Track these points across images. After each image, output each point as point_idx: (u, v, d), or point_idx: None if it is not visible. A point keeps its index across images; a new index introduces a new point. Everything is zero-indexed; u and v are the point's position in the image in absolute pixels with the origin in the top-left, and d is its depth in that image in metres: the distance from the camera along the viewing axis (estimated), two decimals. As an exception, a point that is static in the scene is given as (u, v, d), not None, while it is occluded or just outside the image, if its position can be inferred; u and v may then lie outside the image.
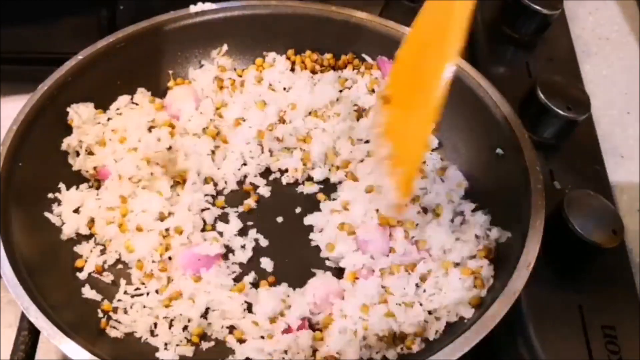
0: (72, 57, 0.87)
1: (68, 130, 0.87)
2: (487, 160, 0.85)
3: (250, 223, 0.85)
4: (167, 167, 0.86)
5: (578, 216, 0.76)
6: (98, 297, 0.77)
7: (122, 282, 0.79)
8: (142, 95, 0.93)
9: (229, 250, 0.83)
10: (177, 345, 0.74)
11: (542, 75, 0.92)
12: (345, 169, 0.89)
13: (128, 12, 1.02)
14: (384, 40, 0.94)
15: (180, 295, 0.77)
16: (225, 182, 0.89)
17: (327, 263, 0.81)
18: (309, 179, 0.90)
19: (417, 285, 0.77)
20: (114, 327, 0.75)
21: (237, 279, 0.80)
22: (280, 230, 0.85)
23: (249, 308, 0.77)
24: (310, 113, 0.93)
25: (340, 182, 0.89)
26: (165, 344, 0.74)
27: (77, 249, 0.81)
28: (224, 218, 0.86)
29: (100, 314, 0.76)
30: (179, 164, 0.87)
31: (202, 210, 0.85)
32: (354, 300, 0.75)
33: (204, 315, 0.77)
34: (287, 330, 0.74)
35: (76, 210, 0.83)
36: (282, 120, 0.92)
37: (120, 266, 0.81)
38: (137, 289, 0.79)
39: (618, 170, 0.94)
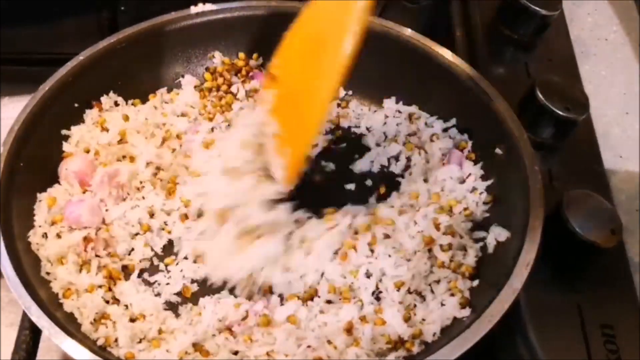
0: (73, 57, 0.87)
1: (69, 131, 0.87)
2: (486, 160, 0.85)
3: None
4: None
5: (577, 216, 0.76)
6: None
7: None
8: None
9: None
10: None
11: (541, 75, 0.92)
12: None
13: (129, 13, 1.03)
14: (384, 41, 0.94)
15: None
16: None
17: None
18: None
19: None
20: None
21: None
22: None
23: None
24: None
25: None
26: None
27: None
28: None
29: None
30: None
31: None
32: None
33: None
34: None
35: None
36: None
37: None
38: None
39: (617, 170, 0.94)
